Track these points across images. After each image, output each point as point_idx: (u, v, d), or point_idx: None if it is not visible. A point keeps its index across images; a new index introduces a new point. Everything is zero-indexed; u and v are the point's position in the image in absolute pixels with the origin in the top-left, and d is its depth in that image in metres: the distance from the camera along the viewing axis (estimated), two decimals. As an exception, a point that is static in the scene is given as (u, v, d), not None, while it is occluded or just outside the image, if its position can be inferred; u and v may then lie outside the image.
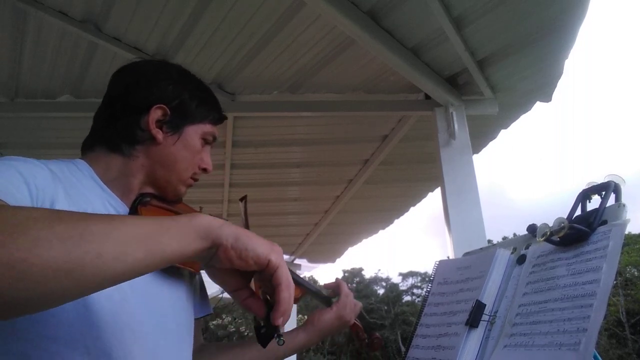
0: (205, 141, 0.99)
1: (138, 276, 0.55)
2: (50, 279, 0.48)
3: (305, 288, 1.13)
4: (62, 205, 0.75)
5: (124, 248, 0.52)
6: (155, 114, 0.91)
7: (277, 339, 0.63)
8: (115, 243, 0.52)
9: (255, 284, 0.70)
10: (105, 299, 0.76)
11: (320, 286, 1.23)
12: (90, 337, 0.74)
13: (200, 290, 1.09)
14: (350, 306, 1.16)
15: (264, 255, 0.62)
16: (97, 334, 0.74)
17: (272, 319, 0.63)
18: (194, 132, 0.96)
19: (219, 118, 1.01)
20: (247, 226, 1.10)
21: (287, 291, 0.63)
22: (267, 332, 0.65)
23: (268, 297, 0.67)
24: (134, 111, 0.92)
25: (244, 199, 1.12)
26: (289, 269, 1.03)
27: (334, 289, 1.19)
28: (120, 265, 0.52)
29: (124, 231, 0.53)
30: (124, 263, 0.52)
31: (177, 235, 0.57)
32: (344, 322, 1.16)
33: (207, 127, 0.98)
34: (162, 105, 0.91)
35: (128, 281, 0.68)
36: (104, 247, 0.51)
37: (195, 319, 1.03)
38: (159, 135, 0.91)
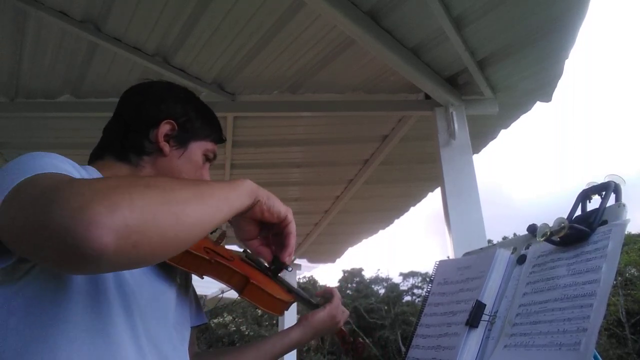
0: (207, 158, 1.07)
1: (220, 225, 0.73)
2: (196, 227, 0.65)
3: (296, 294, 1.18)
4: None
5: (221, 204, 0.71)
6: (164, 128, 0.99)
7: (287, 269, 0.87)
8: (217, 201, 0.70)
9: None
10: (115, 290, 0.79)
11: (312, 293, 1.32)
12: (105, 324, 0.76)
13: (195, 301, 1.12)
14: (341, 308, 1.23)
15: (284, 212, 0.85)
16: (111, 322, 0.77)
17: (282, 257, 0.87)
18: (197, 148, 1.04)
19: (219, 138, 1.11)
20: None
21: (295, 238, 0.87)
22: (277, 267, 0.88)
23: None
24: (144, 125, 0.99)
25: None
26: (284, 279, 1.10)
27: (326, 294, 1.25)
28: (219, 216, 0.70)
29: (218, 193, 0.72)
30: (221, 214, 0.70)
31: (239, 195, 0.76)
32: (336, 322, 1.22)
33: (209, 145, 1.06)
34: (170, 121, 1.00)
35: (134, 281, 0.83)
36: (216, 202, 0.70)
37: (191, 328, 1.07)
38: (166, 148, 0.99)
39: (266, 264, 0.89)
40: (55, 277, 0.73)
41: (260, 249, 0.89)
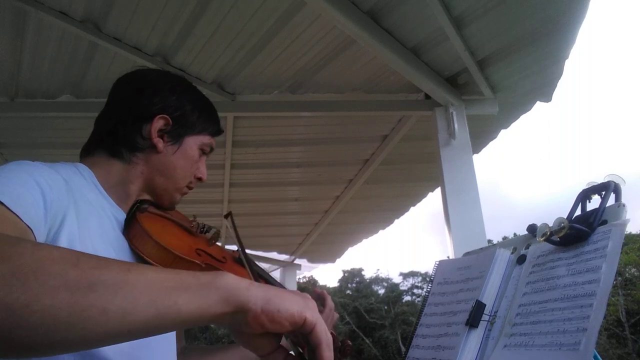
0: (203, 151, 1.02)
1: (148, 336, 0.51)
2: (50, 329, 0.45)
3: None
4: (71, 218, 0.76)
5: (133, 304, 0.48)
6: (158, 123, 0.93)
7: None
8: (124, 298, 0.48)
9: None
10: None
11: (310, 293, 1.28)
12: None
13: None
14: (330, 319, 1.19)
15: (298, 315, 0.55)
16: None
17: None
18: (193, 143, 0.99)
19: (217, 130, 1.04)
20: (239, 241, 1.12)
21: (329, 350, 0.57)
22: None
23: (300, 349, 0.63)
24: (137, 119, 0.93)
25: (229, 215, 1.15)
26: (277, 281, 1.04)
27: (319, 299, 1.19)
28: (127, 324, 0.48)
29: (137, 286, 0.49)
30: (131, 321, 0.48)
31: (196, 295, 0.51)
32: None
33: (205, 139, 1.01)
34: (164, 116, 0.94)
35: None
36: (111, 301, 0.47)
37: None
38: (160, 144, 0.94)
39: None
40: None
41: None
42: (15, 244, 0.49)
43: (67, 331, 0.46)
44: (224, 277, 0.54)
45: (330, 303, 1.19)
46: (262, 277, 1.14)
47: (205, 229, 1.05)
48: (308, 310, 0.56)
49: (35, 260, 0.46)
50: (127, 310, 0.47)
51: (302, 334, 0.57)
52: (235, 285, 0.53)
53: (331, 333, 1.25)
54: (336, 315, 1.23)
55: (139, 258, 0.86)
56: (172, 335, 0.96)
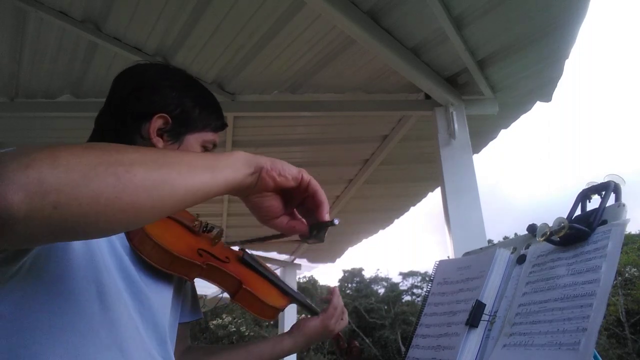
0: (205, 149, 0.99)
1: (205, 199, 0.63)
2: (148, 191, 0.55)
3: (292, 297, 1.17)
4: None
5: (194, 171, 0.61)
6: (157, 122, 0.91)
7: (334, 223, 0.74)
8: (187, 167, 0.60)
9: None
10: (106, 289, 0.78)
11: (312, 295, 1.29)
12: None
13: (191, 295, 1.12)
14: (336, 318, 1.20)
15: (298, 172, 0.73)
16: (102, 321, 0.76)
17: (322, 217, 0.74)
18: (195, 140, 0.96)
19: (220, 125, 1.02)
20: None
21: (324, 194, 0.75)
22: (320, 230, 0.75)
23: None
24: (136, 118, 0.92)
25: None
26: (283, 282, 1.08)
27: (327, 300, 1.23)
28: (192, 185, 0.60)
29: (191, 158, 0.63)
30: (195, 183, 0.60)
31: (228, 164, 0.65)
32: (329, 331, 1.19)
33: (207, 135, 0.98)
34: (163, 115, 0.92)
35: (122, 279, 0.78)
36: (181, 168, 0.59)
37: (186, 323, 1.08)
38: (160, 143, 0.92)
39: (305, 236, 0.77)
40: (46, 282, 0.71)
41: (291, 224, 0.75)
42: (94, 144, 0.59)
43: (160, 190, 0.57)
44: (238, 152, 0.68)
45: (333, 305, 1.20)
46: (272, 281, 1.14)
47: (208, 228, 1.04)
48: (303, 171, 0.74)
49: (118, 148, 0.57)
50: (191, 174, 0.60)
51: (302, 189, 0.73)
52: (248, 154, 0.69)
53: (338, 334, 1.24)
54: (346, 320, 1.24)
55: (140, 258, 0.86)
56: (172, 336, 0.97)
